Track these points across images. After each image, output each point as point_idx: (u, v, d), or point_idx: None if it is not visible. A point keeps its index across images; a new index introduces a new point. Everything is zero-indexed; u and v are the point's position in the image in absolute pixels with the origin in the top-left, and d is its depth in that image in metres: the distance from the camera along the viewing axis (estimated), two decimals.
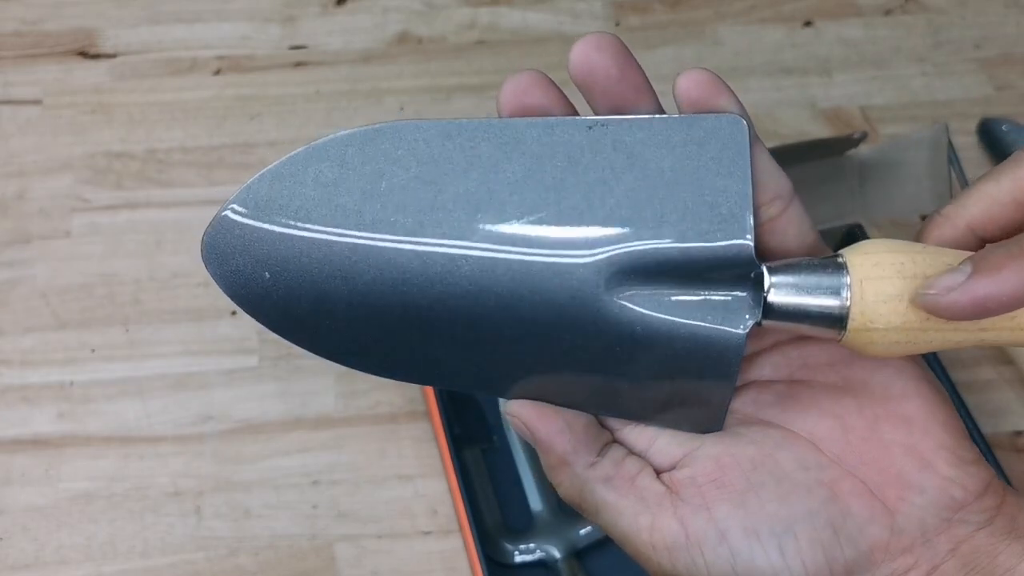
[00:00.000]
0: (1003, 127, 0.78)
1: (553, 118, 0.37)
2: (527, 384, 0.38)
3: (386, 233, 0.37)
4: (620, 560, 0.59)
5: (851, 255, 0.36)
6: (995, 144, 0.78)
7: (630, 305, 0.36)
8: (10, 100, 0.80)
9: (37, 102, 0.80)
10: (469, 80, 0.82)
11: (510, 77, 0.37)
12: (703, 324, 0.36)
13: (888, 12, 0.86)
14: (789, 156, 0.66)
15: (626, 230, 0.36)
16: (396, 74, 0.82)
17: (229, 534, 0.64)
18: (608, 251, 0.36)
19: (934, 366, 0.67)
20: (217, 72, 0.81)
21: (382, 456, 0.66)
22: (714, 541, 0.36)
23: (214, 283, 0.39)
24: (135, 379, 0.69)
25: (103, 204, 0.75)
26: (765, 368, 0.40)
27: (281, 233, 0.37)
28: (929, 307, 0.34)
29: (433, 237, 0.36)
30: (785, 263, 0.36)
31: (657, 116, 0.36)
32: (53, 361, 0.69)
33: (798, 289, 0.35)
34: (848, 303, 0.35)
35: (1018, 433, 0.68)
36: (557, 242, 0.36)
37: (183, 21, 0.83)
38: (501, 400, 0.39)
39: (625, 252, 0.36)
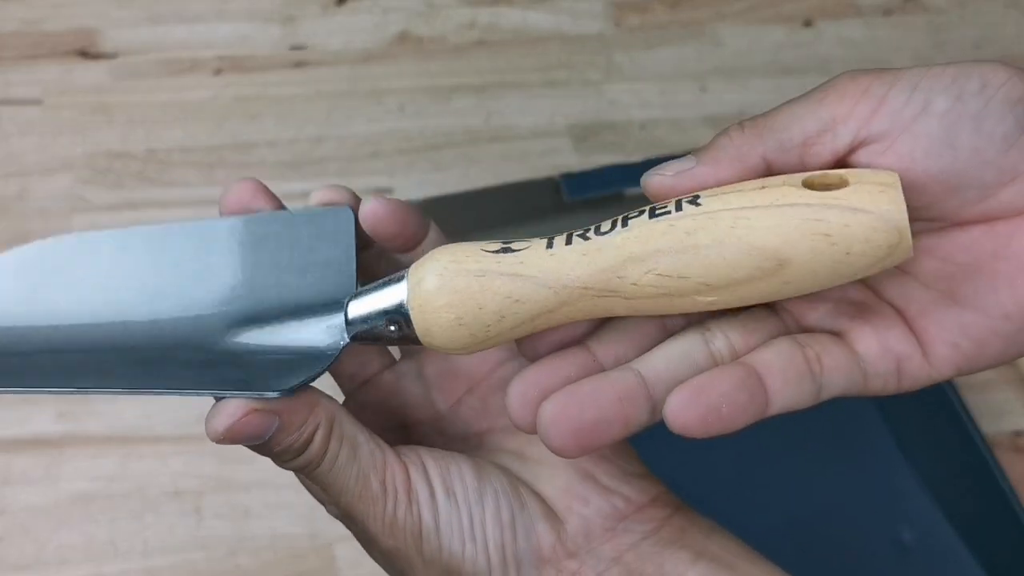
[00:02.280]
0: None
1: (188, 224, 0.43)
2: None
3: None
4: None
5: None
6: None
7: (238, 339, 0.40)
8: (10, 100, 0.80)
9: (37, 102, 0.80)
10: (469, 80, 0.82)
11: (230, 186, 0.43)
12: (302, 343, 0.40)
13: (888, 12, 0.86)
14: None
15: (247, 287, 0.41)
16: (396, 74, 0.82)
17: (229, 534, 0.64)
18: (228, 304, 0.41)
19: None
20: (217, 72, 0.81)
21: None
22: (426, 495, 0.39)
23: None
24: None
25: (103, 204, 0.75)
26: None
27: None
28: (653, 186, 0.35)
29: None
30: (367, 287, 0.39)
31: (284, 213, 0.42)
32: None
33: (374, 302, 0.38)
34: (408, 291, 0.37)
35: (1018, 433, 0.68)
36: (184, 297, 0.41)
37: (183, 21, 0.83)
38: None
39: (245, 302, 0.41)
